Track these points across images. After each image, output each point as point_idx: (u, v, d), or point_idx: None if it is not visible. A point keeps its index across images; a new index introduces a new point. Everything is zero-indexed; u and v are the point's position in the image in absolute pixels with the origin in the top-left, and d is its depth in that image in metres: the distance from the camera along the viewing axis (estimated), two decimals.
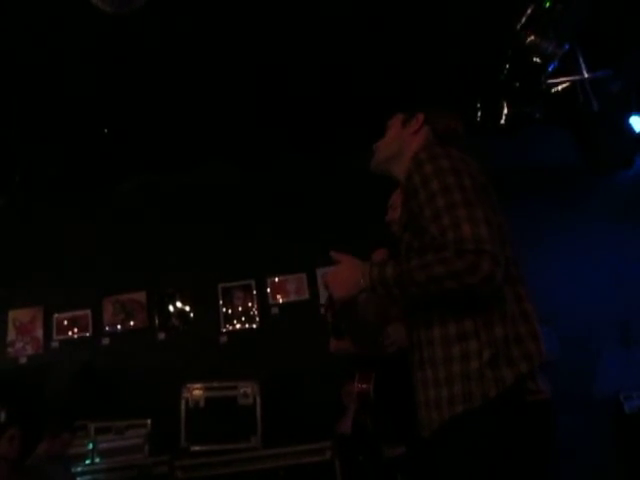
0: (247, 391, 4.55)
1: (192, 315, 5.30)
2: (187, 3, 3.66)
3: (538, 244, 4.88)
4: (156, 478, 4.23)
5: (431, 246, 1.52)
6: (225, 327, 5.25)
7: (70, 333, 5.23)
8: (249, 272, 5.35)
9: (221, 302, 5.30)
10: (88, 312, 5.28)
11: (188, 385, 4.55)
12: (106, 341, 5.22)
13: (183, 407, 4.49)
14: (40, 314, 5.29)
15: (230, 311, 5.29)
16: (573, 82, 4.45)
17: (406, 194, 1.67)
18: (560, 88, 4.49)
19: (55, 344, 5.22)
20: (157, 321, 5.27)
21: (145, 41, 3.88)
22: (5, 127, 4.50)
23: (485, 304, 1.53)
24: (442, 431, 1.53)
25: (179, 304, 5.32)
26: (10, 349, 5.21)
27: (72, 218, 5.45)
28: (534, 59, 4.06)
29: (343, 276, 1.69)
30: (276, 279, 5.36)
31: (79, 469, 4.26)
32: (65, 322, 5.25)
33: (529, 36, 3.94)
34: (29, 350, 5.21)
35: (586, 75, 4.37)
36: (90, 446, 4.36)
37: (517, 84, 4.44)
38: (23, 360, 5.19)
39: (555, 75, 4.38)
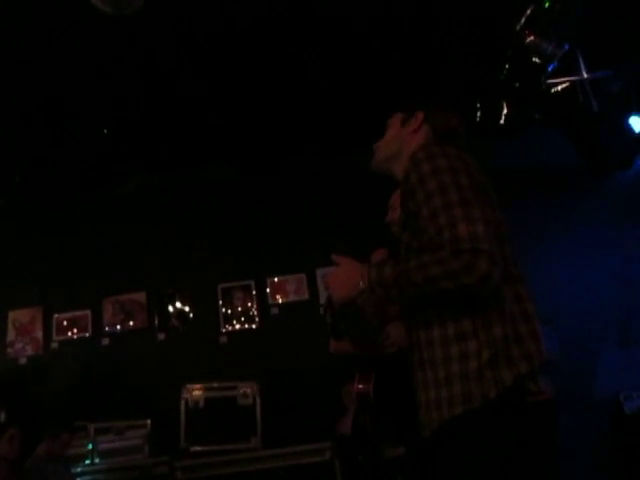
0: (247, 391, 4.55)
1: (192, 315, 5.30)
2: (187, 3, 3.66)
3: (538, 244, 4.88)
4: (156, 478, 4.23)
5: (428, 246, 1.51)
6: (225, 327, 5.25)
7: (70, 333, 5.23)
8: (249, 272, 5.36)
9: (221, 302, 5.30)
10: (88, 312, 5.28)
11: (188, 385, 4.55)
12: (106, 341, 5.22)
13: (183, 407, 4.49)
14: (40, 314, 5.29)
15: (230, 311, 5.29)
16: (573, 82, 4.44)
17: (404, 194, 1.67)
18: (560, 88, 4.49)
19: (55, 344, 5.22)
20: (157, 321, 5.27)
21: (145, 41, 3.88)
22: (5, 127, 4.50)
23: (484, 304, 1.52)
24: (442, 431, 1.52)
25: (179, 304, 5.32)
26: (10, 349, 5.21)
27: (72, 218, 5.45)
28: (534, 59, 4.06)
29: (342, 278, 1.69)
30: (276, 279, 5.36)
31: (79, 469, 4.26)
32: (65, 322, 5.25)
33: (529, 36, 3.93)
34: (29, 350, 5.21)
35: (586, 75, 4.36)
36: (90, 446, 4.36)
37: (517, 84, 4.44)
38: (23, 360, 5.19)
39: (555, 75, 4.38)
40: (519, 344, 1.51)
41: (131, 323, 5.25)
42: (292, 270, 5.35)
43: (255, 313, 5.29)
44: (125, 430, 4.49)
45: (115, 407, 4.71)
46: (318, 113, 4.78)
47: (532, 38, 3.93)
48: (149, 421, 4.58)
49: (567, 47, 4.02)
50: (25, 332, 5.25)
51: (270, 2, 3.75)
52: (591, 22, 3.97)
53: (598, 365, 5.01)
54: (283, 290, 5.35)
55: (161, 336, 5.24)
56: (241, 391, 4.55)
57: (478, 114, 4.77)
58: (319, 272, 5.24)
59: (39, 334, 5.24)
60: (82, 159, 5.02)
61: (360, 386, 2.76)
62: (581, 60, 4.35)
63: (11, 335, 5.24)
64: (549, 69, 4.20)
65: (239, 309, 5.29)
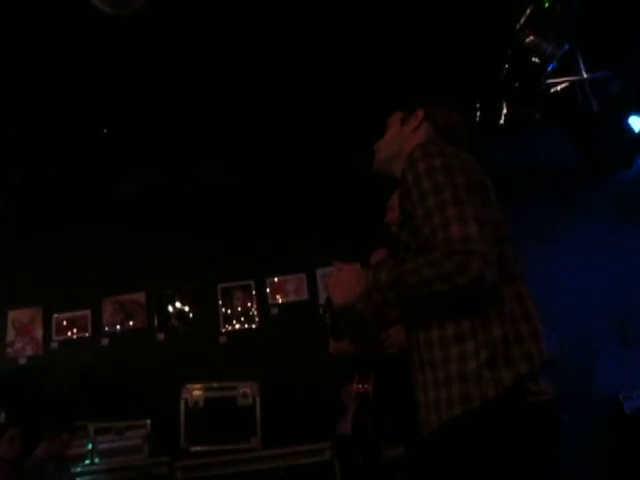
0: (247, 391, 4.54)
1: (191, 315, 5.30)
2: (187, 3, 3.66)
3: (538, 244, 4.88)
4: (156, 479, 4.23)
5: (424, 247, 1.51)
6: (224, 327, 5.25)
7: (69, 333, 5.23)
8: (248, 272, 5.35)
9: (220, 302, 5.30)
10: (88, 312, 5.27)
11: (188, 385, 4.54)
12: (105, 341, 5.21)
13: (183, 408, 4.49)
14: (39, 314, 5.28)
15: (229, 311, 5.29)
16: (572, 82, 4.44)
17: (401, 194, 1.66)
18: (559, 88, 4.49)
19: (54, 344, 5.22)
20: (156, 321, 5.27)
21: (145, 41, 3.88)
22: (5, 127, 4.50)
23: (483, 304, 1.51)
24: (441, 432, 1.51)
25: (178, 304, 5.32)
26: (9, 349, 5.21)
27: (71, 218, 5.45)
28: (533, 59, 4.06)
29: (342, 282, 1.69)
30: (275, 279, 5.36)
31: (78, 469, 4.25)
32: (64, 322, 5.25)
33: (528, 36, 3.93)
34: (28, 350, 5.21)
35: (585, 75, 4.37)
36: (90, 446, 4.35)
37: (516, 84, 4.44)
38: (22, 361, 5.18)
39: (554, 75, 4.38)
40: (519, 344, 1.49)
41: (131, 323, 5.25)
42: (292, 270, 5.34)
43: (255, 313, 5.28)
44: (125, 430, 4.49)
45: (115, 407, 4.71)
46: (318, 113, 4.79)
47: (532, 38, 3.93)
48: (149, 421, 4.58)
49: (567, 47, 4.03)
50: (25, 332, 5.24)
51: (269, 2, 3.75)
52: (591, 22, 3.97)
53: (598, 365, 5.00)
54: (283, 290, 5.35)
55: (161, 336, 5.23)
56: (241, 391, 4.55)
57: (478, 114, 4.78)
58: (319, 272, 5.24)
59: (39, 334, 5.24)
60: (82, 159, 5.03)
61: (360, 386, 2.76)
62: (581, 60, 4.35)
63: (11, 335, 5.24)
64: (549, 69, 4.20)
65: (239, 309, 5.29)
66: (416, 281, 1.47)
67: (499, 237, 1.57)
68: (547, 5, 3.75)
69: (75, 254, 5.34)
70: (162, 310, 5.30)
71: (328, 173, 5.42)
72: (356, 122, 4.61)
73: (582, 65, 4.35)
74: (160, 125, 4.81)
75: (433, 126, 1.88)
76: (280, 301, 5.31)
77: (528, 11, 3.83)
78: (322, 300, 4.83)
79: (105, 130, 4.73)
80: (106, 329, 5.24)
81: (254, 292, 5.32)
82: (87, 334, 5.22)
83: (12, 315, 5.29)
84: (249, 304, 5.30)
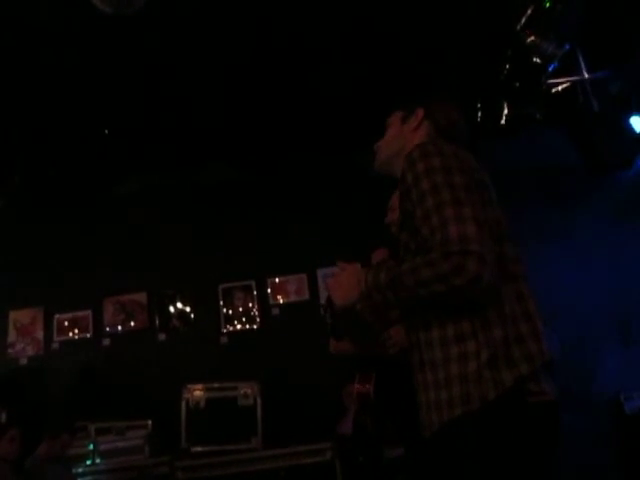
0: (247, 392, 4.54)
1: (192, 316, 5.30)
2: (187, 3, 3.66)
3: (538, 244, 4.87)
4: (156, 479, 4.23)
5: (423, 247, 1.51)
6: (225, 328, 5.25)
7: (71, 334, 5.23)
8: (249, 273, 5.35)
9: (221, 303, 5.30)
10: (89, 313, 5.28)
11: (189, 386, 4.55)
12: (107, 342, 5.22)
13: (184, 408, 4.49)
14: (40, 315, 5.29)
15: (230, 312, 5.29)
16: (573, 82, 4.45)
17: (401, 194, 1.66)
18: (560, 88, 4.50)
19: (55, 345, 5.22)
20: (158, 322, 5.28)
21: (145, 41, 3.88)
22: (5, 127, 4.50)
23: (483, 304, 1.50)
24: (442, 433, 1.51)
25: (179, 305, 5.32)
26: (10, 350, 5.21)
27: (72, 218, 5.45)
28: (534, 59, 4.06)
29: (342, 283, 1.69)
30: (276, 280, 5.36)
31: (79, 470, 4.26)
32: (66, 323, 5.25)
33: (529, 36, 3.94)
34: (29, 351, 5.21)
35: (586, 75, 4.37)
36: (90, 447, 4.36)
37: (517, 84, 4.44)
38: (23, 361, 5.19)
39: (555, 75, 4.38)
40: (520, 344, 1.49)
41: (132, 323, 5.25)
42: (293, 270, 5.34)
43: (256, 313, 5.28)
44: (126, 430, 4.49)
45: (116, 407, 4.71)
46: (318, 112, 4.79)
47: (532, 38, 3.93)
48: (150, 421, 4.58)
49: (567, 47, 4.03)
50: (26, 332, 5.25)
51: (269, 1, 3.75)
52: (591, 22, 3.97)
53: (598, 365, 5.00)
54: (284, 290, 5.35)
55: (162, 336, 5.24)
56: (242, 391, 4.55)
57: (479, 114, 4.78)
58: (320, 272, 5.24)
59: (40, 334, 5.24)
60: (82, 159, 5.03)
61: (361, 386, 2.76)
62: (581, 60, 4.35)
63: (12, 336, 5.24)
64: (549, 69, 4.20)
65: (240, 309, 5.29)
66: (414, 282, 1.47)
67: (499, 236, 1.56)
68: (548, 5, 3.76)
69: (76, 254, 5.34)
70: (163, 310, 5.30)
71: (328, 173, 5.43)
72: (356, 122, 4.61)
73: (583, 65, 4.36)
74: (160, 125, 4.82)
75: (433, 125, 1.87)
76: (281, 301, 5.31)
77: (529, 11, 3.83)
78: (323, 300, 4.82)
79: (105, 130, 4.73)
80: (107, 329, 5.24)
81: (255, 292, 5.33)
82: (88, 334, 5.23)
83: (13, 316, 5.29)
84: (250, 304, 5.30)
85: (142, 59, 4.07)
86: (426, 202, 1.52)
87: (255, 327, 5.25)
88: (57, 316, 5.27)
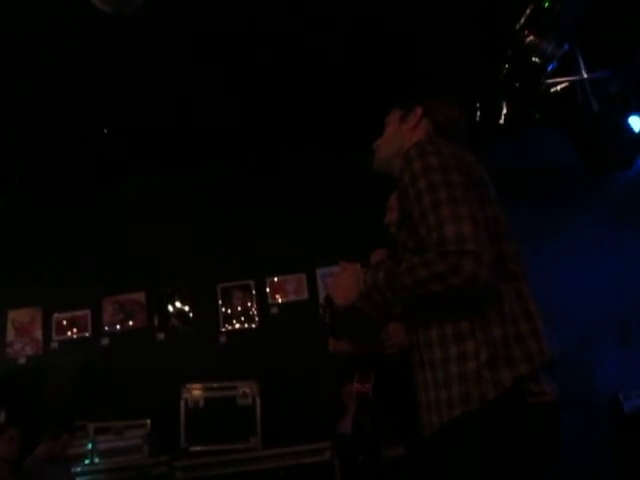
0: (246, 391, 4.54)
1: (191, 315, 5.30)
2: (187, 3, 3.66)
3: (538, 244, 4.87)
4: (155, 478, 4.23)
5: (420, 247, 1.51)
6: (224, 327, 5.25)
7: (69, 333, 5.23)
8: (248, 272, 5.35)
9: (220, 302, 5.30)
10: (87, 312, 5.27)
11: (187, 385, 4.54)
12: (105, 341, 5.21)
13: (182, 407, 4.49)
14: (39, 314, 5.28)
15: (229, 311, 5.29)
16: (572, 82, 4.45)
17: (398, 193, 1.66)
18: (559, 88, 4.50)
19: (54, 344, 5.22)
20: (156, 321, 5.27)
21: (145, 41, 3.88)
22: (5, 127, 4.50)
23: (482, 303, 1.50)
24: (441, 433, 1.51)
25: (178, 304, 5.32)
26: (9, 349, 5.21)
27: (71, 218, 5.45)
28: (533, 59, 4.06)
29: (342, 284, 1.69)
30: (275, 279, 5.36)
31: (78, 469, 4.26)
32: (64, 322, 5.25)
33: (528, 36, 3.94)
34: (28, 350, 5.21)
35: (585, 75, 4.37)
36: (89, 446, 4.35)
37: (516, 84, 4.44)
38: (22, 360, 5.18)
39: (554, 75, 4.38)
40: (520, 344, 1.48)
41: (131, 323, 5.25)
42: (292, 270, 5.34)
43: (255, 313, 5.28)
44: (125, 430, 4.49)
45: (115, 407, 4.71)
46: (318, 112, 4.79)
47: (532, 38, 3.93)
48: (149, 421, 4.58)
49: (567, 47, 4.03)
50: (25, 332, 5.24)
51: (269, 1, 3.75)
52: (591, 22, 3.97)
53: (598, 365, 5.00)
54: (283, 290, 5.34)
55: (161, 336, 5.23)
56: (241, 391, 4.55)
57: (478, 114, 4.78)
58: (319, 272, 5.24)
59: (39, 334, 5.23)
60: (82, 159, 5.03)
61: (360, 386, 2.76)
62: (581, 60, 4.35)
63: (10, 335, 5.24)
64: (549, 69, 4.20)
65: (239, 309, 5.29)
66: (411, 282, 1.47)
67: (497, 235, 1.56)
68: (547, 5, 3.76)
69: (75, 254, 5.34)
70: (162, 310, 5.30)
71: (328, 173, 5.42)
72: (356, 122, 4.61)
73: (582, 65, 4.36)
74: (160, 125, 4.81)
75: (432, 123, 1.86)
76: (280, 301, 5.31)
77: (528, 11, 3.83)
78: (322, 300, 4.82)
79: (105, 130, 4.72)
80: (106, 329, 5.24)
81: (254, 292, 5.32)
82: (87, 334, 5.22)
83: (12, 315, 5.29)
84: (249, 304, 5.30)
85: (142, 59, 4.07)
86: (423, 201, 1.52)
87: (254, 326, 5.25)
88: (56, 315, 5.26)
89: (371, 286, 1.55)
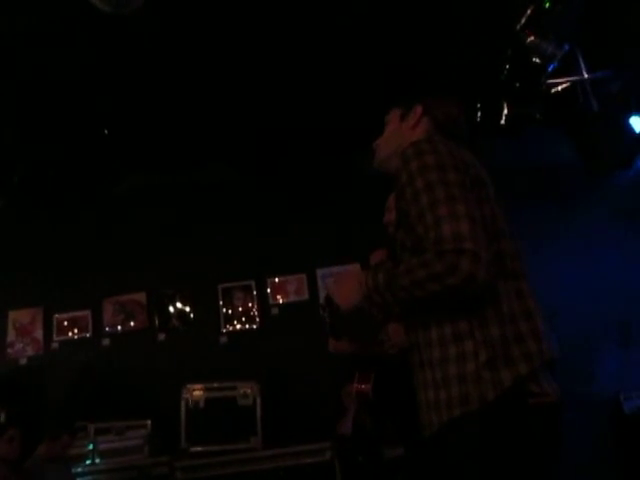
0: (247, 392, 4.54)
1: (192, 316, 5.30)
2: (187, 3, 3.66)
3: (538, 244, 4.87)
4: (156, 479, 4.23)
5: (418, 247, 1.51)
6: (225, 327, 5.25)
7: (70, 334, 5.23)
8: (249, 272, 5.35)
9: (221, 302, 5.30)
10: (88, 313, 5.27)
11: (188, 386, 4.54)
12: (106, 342, 5.21)
13: (183, 408, 4.49)
14: (40, 315, 5.28)
15: (230, 311, 5.29)
16: (573, 82, 4.45)
17: (396, 193, 1.65)
18: (560, 88, 4.49)
19: (55, 345, 5.22)
20: (157, 322, 5.27)
21: (144, 41, 3.88)
22: (5, 127, 4.50)
23: (480, 303, 1.49)
24: (441, 433, 1.51)
25: (179, 305, 5.32)
26: (10, 350, 5.21)
27: (71, 218, 5.45)
28: (534, 59, 4.06)
29: (343, 287, 1.70)
30: (276, 279, 5.36)
31: (79, 470, 4.26)
32: (65, 323, 5.25)
33: (529, 36, 3.94)
34: (29, 351, 5.21)
35: (586, 75, 4.37)
36: (90, 447, 4.35)
37: (517, 84, 4.44)
38: (23, 361, 5.18)
39: (555, 75, 4.38)
40: (519, 343, 1.48)
41: (131, 323, 5.25)
42: (292, 270, 5.34)
43: (255, 313, 5.28)
44: (125, 430, 4.49)
45: (115, 407, 4.71)
46: (318, 112, 4.78)
47: (532, 38, 3.93)
48: (149, 421, 4.58)
49: (567, 47, 4.03)
50: (25, 332, 5.24)
51: (269, 1, 3.75)
52: (591, 22, 3.97)
53: (598, 365, 5.00)
54: (283, 290, 5.35)
55: (161, 336, 5.23)
56: (241, 391, 4.55)
57: (478, 114, 4.77)
58: (319, 272, 5.24)
59: (39, 334, 5.23)
60: (82, 159, 5.03)
61: (360, 386, 2.76)
62: (581, 60, 4.35)
63: (11, 335, 5.24)
64: (549, 69, 4.20)
65: (239, 309, 5.29)
66: (409, 282, 1.47)
67: (495, 233, 1.55)
68: (547, 5, 3.76)
69: (75, 254, 5.34)
70: (163, 310, 5.30)
71: (328, 173, 5.42)
72: (356, 122, 4.61)
73: (583, 65, 4.35)
74: (160, 125, 4.81)
75: (432, 121, 1.86)
76: (281, 301, 5.31)
77: (529, 11, 3.83)
78: (322, 300, 4.82)
79: (105, 130, 4.72)
80: (107, 329, 5.24)
81: (255, 292, 5.32)
82: (88, 334, 5.22)
83: (12, 315, 5.29)
84: (250, 304, 5.30)
85: (142, 59, 4.07)
86: (420, 200, 1.51)
87: (255, 327, 5.25)
88: (56, 316, 5.26)
89: (372, 288, 1.55)
